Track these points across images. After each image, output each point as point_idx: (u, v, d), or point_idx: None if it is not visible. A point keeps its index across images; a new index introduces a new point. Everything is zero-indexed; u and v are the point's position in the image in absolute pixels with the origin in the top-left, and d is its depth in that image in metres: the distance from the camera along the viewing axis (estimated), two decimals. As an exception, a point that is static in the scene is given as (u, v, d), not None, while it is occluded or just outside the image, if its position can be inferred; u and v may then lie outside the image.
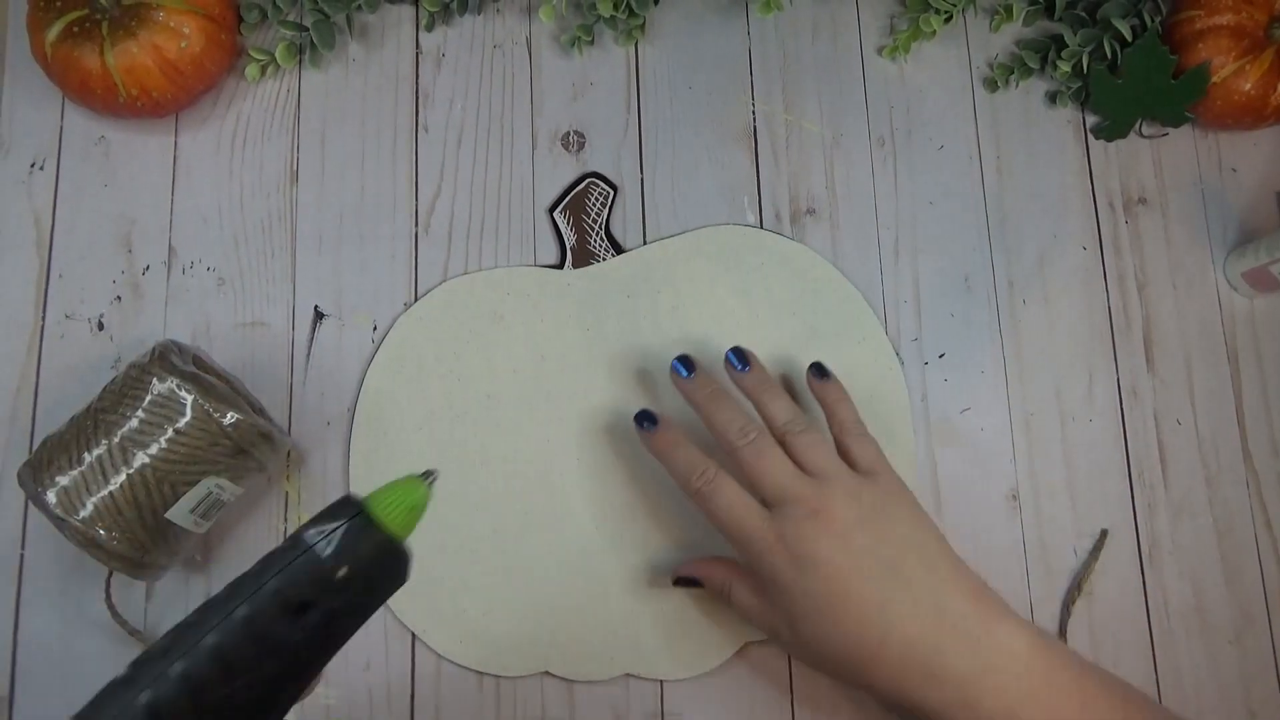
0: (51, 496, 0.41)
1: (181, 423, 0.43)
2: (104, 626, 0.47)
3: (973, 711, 0.38)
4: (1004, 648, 0.39)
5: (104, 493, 0.42)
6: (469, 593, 0.49)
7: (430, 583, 0.49)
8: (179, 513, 0.43)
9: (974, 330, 0.55)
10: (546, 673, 0.49)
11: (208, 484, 0.44)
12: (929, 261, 0.56)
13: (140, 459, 0.42)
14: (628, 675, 0.49)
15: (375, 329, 0.52)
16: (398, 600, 0.48)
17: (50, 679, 0.47)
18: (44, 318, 0.51)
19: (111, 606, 0.46)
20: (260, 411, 0.49)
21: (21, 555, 0.48)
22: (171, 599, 0.48)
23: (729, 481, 0.43)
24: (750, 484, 0.43)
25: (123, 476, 0.42)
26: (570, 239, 0.53)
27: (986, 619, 0.40)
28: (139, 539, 0.43)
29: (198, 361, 0.46)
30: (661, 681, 0.49)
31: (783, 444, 0.44)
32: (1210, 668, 0.52)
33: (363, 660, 0.48)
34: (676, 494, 0.50)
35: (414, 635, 0.49)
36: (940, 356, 0.54)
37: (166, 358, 0.44)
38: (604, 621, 0.49)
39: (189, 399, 0.43)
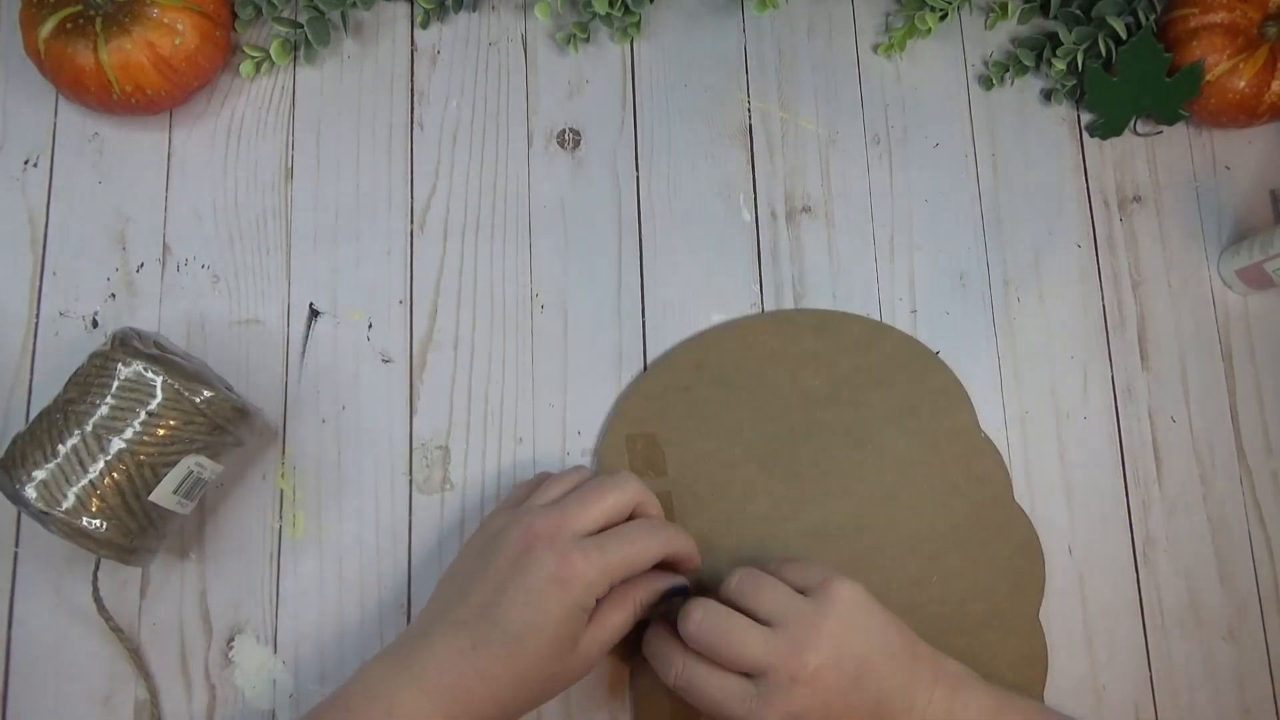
0: (31, 491, 0.41)
1: (153, 404, 0.43)
2: (99, 626, 0.47)
3: None
4: None
5: (84, 482, 0.42)
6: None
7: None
8: (162, 494, 0.43)
9: (969, 328, 0.55)
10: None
11: (187, 463, 0.44)
12: (924, 259, 0.56)
13: (116, 444, 0.42)
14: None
15: (370, 326, 0.52)
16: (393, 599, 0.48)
17: (44, 676, 0.47)
18: (38, 315, 0.51)
19: (98, 599, 0.46)
20: (230, 390, 0.49)
21: (15, 553, 0.48)
22: (167, 595, 0.48)
23: (702, 666, 0.43)
24: (724, 662, 0.42)
25: (100, 464, 0.42)
26: None
27: (949, 695, 0.43)
28: (125, 524, 0.42)
29: (159, 346, 0.46)
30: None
31: (733, 604, 0.44)
32: (1204, 664, 0.52)
33: (359, 658, 0.48)
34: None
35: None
36: (935, 354, 0.54)
37: (128, 343, 0.44)
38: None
39: (158, 380, 0.43)
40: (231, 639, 0.48)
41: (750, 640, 0.42)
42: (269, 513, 0.50)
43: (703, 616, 0.43)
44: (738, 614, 0.43)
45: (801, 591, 0.43)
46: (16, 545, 0.48)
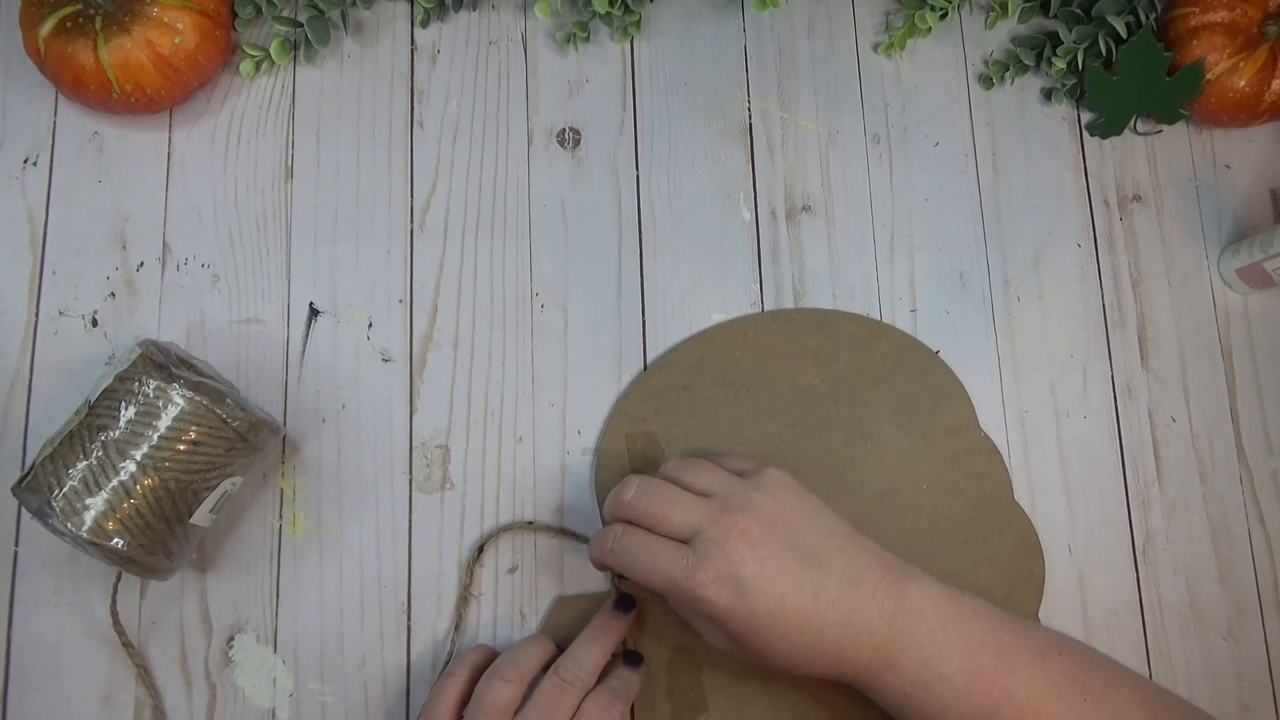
0: (84, 531, 0.41)
1: (197, 434, 0.43)
2: (99, 625, 0.47)
3: (895, 670, 0.40)
4: (915, 606, 0.41)
5: (131, 511, 0.42)
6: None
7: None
8: (201, 515, 0.44)
9: (969, 327, 0.55)
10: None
11: (225, 485, 0.45)
12: (924, 259, 0.56)
13: (167, 475, 0.42)
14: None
15: (370, 325, 0.52)
16: (396, 597, 0.48)
17: (44, 676, 0.47)
18: (37, 314, 0.51)
19: (115, 614, 0.47)
20: (242, 398, 0.49)
21: (15, 552, 0.48)
22: (167, 598, 0.48)
23: (638, 532, 0.43)
24: (658, 526, 0.42)
25: (149, 495, 0.42)
26: None
27: (898, 581, 0.42)
28: (169, 548, 0.43)
29: (181, 360, 0.46)
30: (657, 678, 0.49)
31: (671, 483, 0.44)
32: (1204, 663, 0.52)
33: (359, 657, 0.48)
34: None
35: (409, 632, 0.49)
36: (935, 353, 0.54)
37: (165, 368, 0.43)
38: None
39: (203, 411, 0.43)
40: (231, 638, 0.48)
41: (684, 503, 0.42)
42: (269, 512, 0.50)
43: (639, 484, 0.44)
44: (674, 485, 0.43)
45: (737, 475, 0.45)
46: (16, 545, 0.48)
